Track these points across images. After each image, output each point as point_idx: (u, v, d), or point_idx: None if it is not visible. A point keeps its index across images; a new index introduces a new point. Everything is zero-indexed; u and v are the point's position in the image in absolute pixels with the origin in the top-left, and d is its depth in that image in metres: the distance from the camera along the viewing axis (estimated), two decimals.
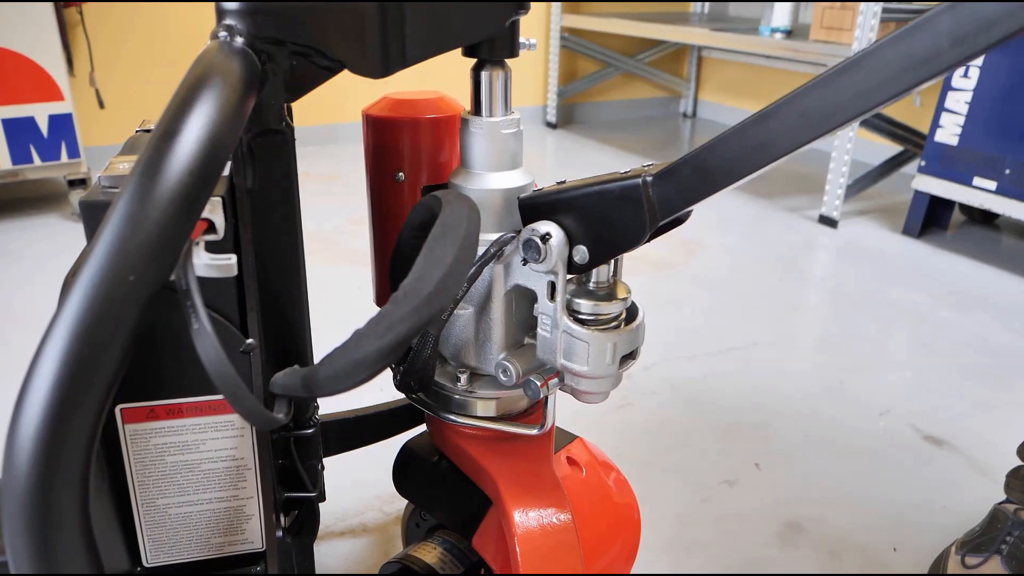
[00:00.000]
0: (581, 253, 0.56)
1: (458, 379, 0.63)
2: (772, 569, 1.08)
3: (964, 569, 1.01)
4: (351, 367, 0.42)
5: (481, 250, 0.58)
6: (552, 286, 0.57)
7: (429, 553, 0.74)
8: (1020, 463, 1.09)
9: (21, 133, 2.26)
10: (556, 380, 0.60)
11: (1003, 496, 1.10)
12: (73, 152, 2.35)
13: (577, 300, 0.58)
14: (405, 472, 0.77)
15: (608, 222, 0.54)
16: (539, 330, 0.59)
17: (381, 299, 0.70)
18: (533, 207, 0.57)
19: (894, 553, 1.11)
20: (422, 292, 0.44)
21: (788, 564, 1.09)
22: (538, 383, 0.59)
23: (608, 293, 0.59)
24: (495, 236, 0.59)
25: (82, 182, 2.41)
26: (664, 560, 1.08)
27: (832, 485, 1.25)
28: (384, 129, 0.64)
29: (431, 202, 0.55)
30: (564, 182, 0.58)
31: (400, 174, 0.64)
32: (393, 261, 0.62)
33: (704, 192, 0.53)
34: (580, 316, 0.58)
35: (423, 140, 0.62)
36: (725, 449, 1.34)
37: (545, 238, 0.55)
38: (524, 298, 0.61)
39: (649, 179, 0.53)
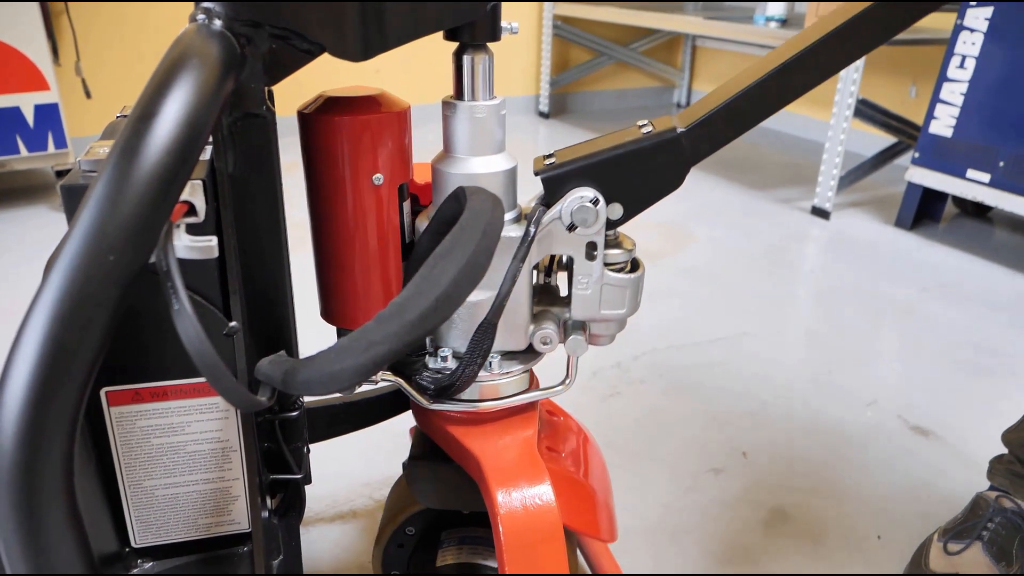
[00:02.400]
0: (616, 210, 0.61)
1: (489, 365, 0.66)
2: (756, 556, 1.09)
3: (946, 555, 1.02)
4: (327, 378, 0.43)
5: None
6: (593, 246, 0.61)
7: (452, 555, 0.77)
8: (1004, 451, 1.10)
9: (6, 123, 2.25)
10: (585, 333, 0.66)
11: (987, 485, 1.11)
12: (60, 142, 2.34)
13: (609, 252, 0.62)
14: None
15: (644, 177, 0.60)
16: (575, 291, 0.63)
17: (327, 314, 0.66)
18: (559, 177, 0.60)
19: (878, 541, 1.12)
20: (407, 316, 0.43)
21: (772, 550, 1.10)
22: (580, 338, 0.65)
23: (619, 242, 0.64)
24: None
25: (70, 172, 2.40)
26: (649, 546, 1.10)
27: (818, 474, 1.27)
28: (354, 129, 0.58)
29: (460, 196, 0.56)
30: (552, 155, 0.62)
31: (378, 176, 0.59)
32: (412, 259, 0.62)
33: (730, 137, 0.60)
34: (616, 266, 0.63)
35: (397, 137, 0.59)
36: (712, 438, 1.35)
37: (595, 202, 0.59)
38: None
39: (683, 130, 0.59)
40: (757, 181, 2.90)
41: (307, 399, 0.70)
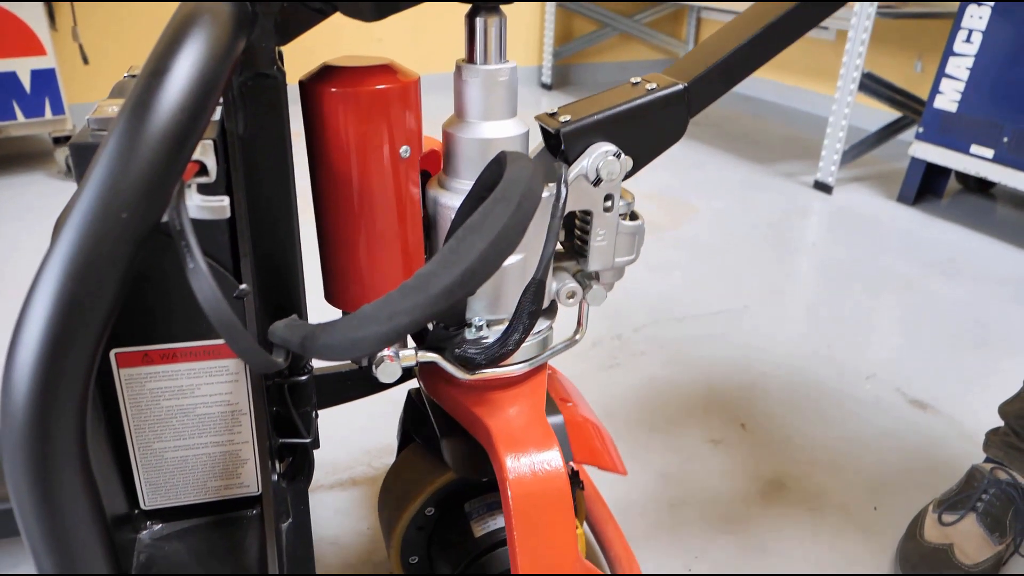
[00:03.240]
0: (628, 163, 0.63)
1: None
2: (753, 525, 1.10)
3: (940, 526, 1.03)
4: (348, 344, 0.43)
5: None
6: (610, 198, 0.63)
7: None
8: (1001, 423, 1.11)
9: (3, 88, 2.23)
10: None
11: (984, 457, 1.12)
12: (57, 108, 2.32)
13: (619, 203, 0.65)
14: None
15: (652, 129, 0.63)
16: (594, 243, 0.65)
17: (336, 298, 0.64)
18: (580, 132, 0.61)
19: (874, 512, 1.13)
20: (432, 289, 0.43)
21: (769, 520, 1.11)
22: (600, 288, 0.67)
23: (622, 194, 0.66)
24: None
25: (67, 139, 2.39)
26: (647, 514, 1.11)
27: (816, 445, 1.28)
28: (378, 101, 0.55)
29: (501, 161, 0.54)
30: (556, 112, 0.63)
31: (405, 148, 0.57)
32: (452, 227, 0.61)
33: (724, 90, 0.64)
34: (625, 216, 0.66)
35: (417, 107, 0.57)
36: (711, 409, 1.36)
37: (618, 155, 0.61)
38: None
39: (686, 85, 0.62)
40: (760, 155, 2.89)
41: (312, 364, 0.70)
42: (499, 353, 0.60)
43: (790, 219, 2.30)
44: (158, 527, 0.64)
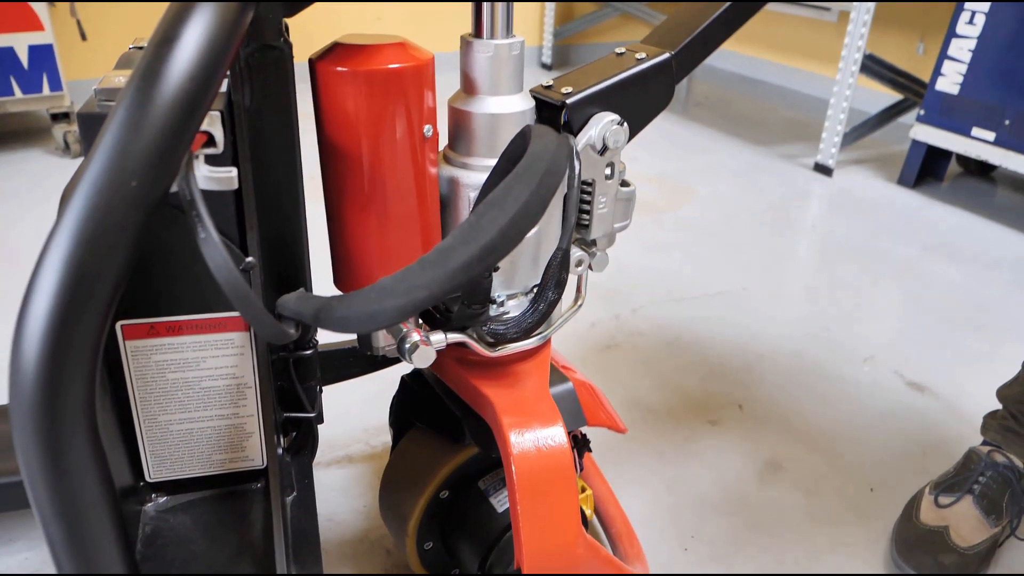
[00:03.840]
0: (627, 130, 0.65)
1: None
2: (750, 506, 1.11)
3: (936, 508, 1.04)
4: (366, 317, 0.42)
5: (474, 175, 0.59)
6: (611, 165, 0.64)
7: None
8: (999, 406, 1.12)
9: (0, 64, 2.21)
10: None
11: (981, 440, 1.13)
12: (55, 85, 2.30)
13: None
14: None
15: (645, 97, 0.66)
16: (596, 211, 0.66)
17: (343, 281, 0.63)
18: (583, 103, 0.62)
19: (871, 493, 1.14)
20: (451, 264, 0.42)
21: (766, 501, 1.12)
22: (604, 253, 0.68)
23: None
24: (493, 161, 0.59)
25: (65, 116, 2.37)
26: (644, 494, 1.12)
27: (813, 427, 1.29)
28: (400, 80, 0.53)
29: (526, 135, 0.54)
30: (551, 85, 0.64)
31: (428, 127, 0.56)
32: (477, 199, 0.60)
33: (706, 55, 0.69)
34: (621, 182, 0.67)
35: (433, 85, 0.56)
36: (709, 390, 1.37)
37: (621, 123, 0.62)
38: None
39: (673, 54, 0.66)
40: (760, 137, 2.88)
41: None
42: (529, 324, 0.61)
43: (790, 201, 2.30)
44: (163, 499, 0.65)
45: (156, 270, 0.56)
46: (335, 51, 0.53)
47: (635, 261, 1.84)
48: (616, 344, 1.50)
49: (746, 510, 1.10)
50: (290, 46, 0.52)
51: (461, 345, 0.61)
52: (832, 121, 2.45)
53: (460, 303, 0.59)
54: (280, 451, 0.64)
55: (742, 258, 1.90)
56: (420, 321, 0.63)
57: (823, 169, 2.50)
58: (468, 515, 0.79)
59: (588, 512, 0.88)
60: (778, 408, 1.33)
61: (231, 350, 0.59)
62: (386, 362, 0.90)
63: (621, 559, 0.88)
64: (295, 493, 0.67)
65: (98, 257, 0.36)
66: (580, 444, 0.85)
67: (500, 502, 0.78)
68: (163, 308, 0.57)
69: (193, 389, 0.60)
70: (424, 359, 0.58)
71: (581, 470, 0.85)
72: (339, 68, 0.51)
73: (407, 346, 0.57)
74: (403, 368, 0.84)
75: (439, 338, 0.59)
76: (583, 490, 0.88)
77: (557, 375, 0.71)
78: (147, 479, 0.64)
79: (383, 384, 0.94)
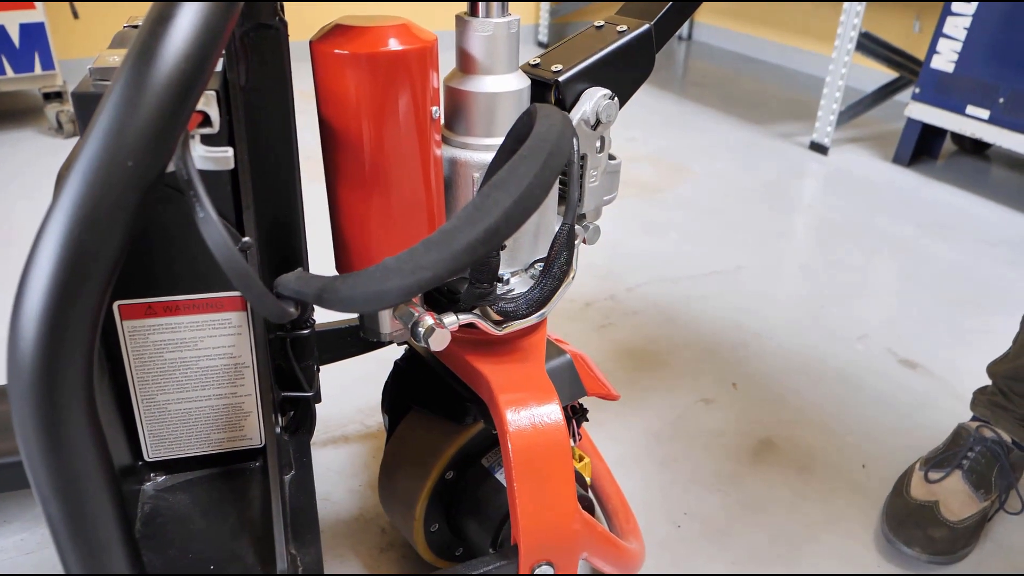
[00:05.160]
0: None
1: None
2: (743, 483, 1.12)
3: (926, 483, 1.06)
4: (371, 296, 0.42)
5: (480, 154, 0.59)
6: (603, 139, 0.65)
7: None
8: (989, 383, 1.13)
9: None
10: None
11: (970, 417, 1.14)
12: (47, 64, 2.28)
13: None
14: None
15: (631, 68, 0.67)
16: (588, 184, 0.67)
17: (340, 264, 0.62)
18: (575, 79, 0.63)
19: (863, 470, 1.16)
20: (455, 245, 0.42)
21: (759, 479, 1.13)
22: (596, 224, 0.70)
23: None
24: (493, 140, 0.59)
25: (58, 95, 2.35)
26: (638, 472, 1.13)
27: (807, 405, 1.30)
28: (405, 62, 0.52)
29: (532, 114, 0.53)
30: (538, 62, 0.65)
31: (436, 109, 0.55)
32: (484, 178, 0.60)
33: (681, 23, 0.71)
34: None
35: (437, 66, 0.55)
36: (703, 368, 1.38)
37: (612, 97, 0.63)
38: None
39: (651, 24, 0.67)
40: (756, 116, 2.87)
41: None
42: (537, 300, 0.61)
43: (786, 180, 2.30)
44: (162, 478, 0.65)
45: (153, 250, 0.56)
46: (336, 32, 0.51)
47: (631, 241, 1.84)
48: (611, 323, 1.50)
49: (740, 488, 1.11)
50: (285, 24, 0.52)
51: (469, 326, 0.61)
52: (828, 99, 2.44)
53: (468, 283, 0.60)
54: (278, 430, 0.65)
55: (738, 237, 1.91)
56: (425, 306, 0.62)
57: (819, 148, 2.50)
58: (476, 493, 0.80)
59: (588, 479, 0.89)
60: (772, 386, 1.34)
61: (229, 330, 0.59)
62: (382, 342, 0.91)
63: (617, 535, 0.89)
64: (293, 472, 0.68)
65: (95, 237, 0.36)
66: (578, 414, 0.86)
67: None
68: (160, 288, 0.57)
69: (191, 369, 0.60)
70: (440, 342, 0.57)
71: (579, 439, 0.86)
72: (340, 51, 0.50)
73: (422, 330, 0.56)
74: (397, 348, 0.85)
75: (452, 319, 0.59)
76: (581, 459, 0.89)
77: (554, 348, 0.71)
78: (146, 458, 0.64)
79: (379, 364, 0.94)
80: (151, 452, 0.64)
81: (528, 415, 0.61)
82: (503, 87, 0.59)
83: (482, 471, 0.80)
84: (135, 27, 0.56)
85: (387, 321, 0.62)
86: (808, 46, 3.57)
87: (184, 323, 0.58)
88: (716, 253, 1.81)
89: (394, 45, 0.51)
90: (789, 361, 1.41)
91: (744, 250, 1.83)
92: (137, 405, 0.61)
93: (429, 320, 0.56)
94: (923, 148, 2.42)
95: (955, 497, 1.03)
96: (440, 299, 0.62)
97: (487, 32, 0.57)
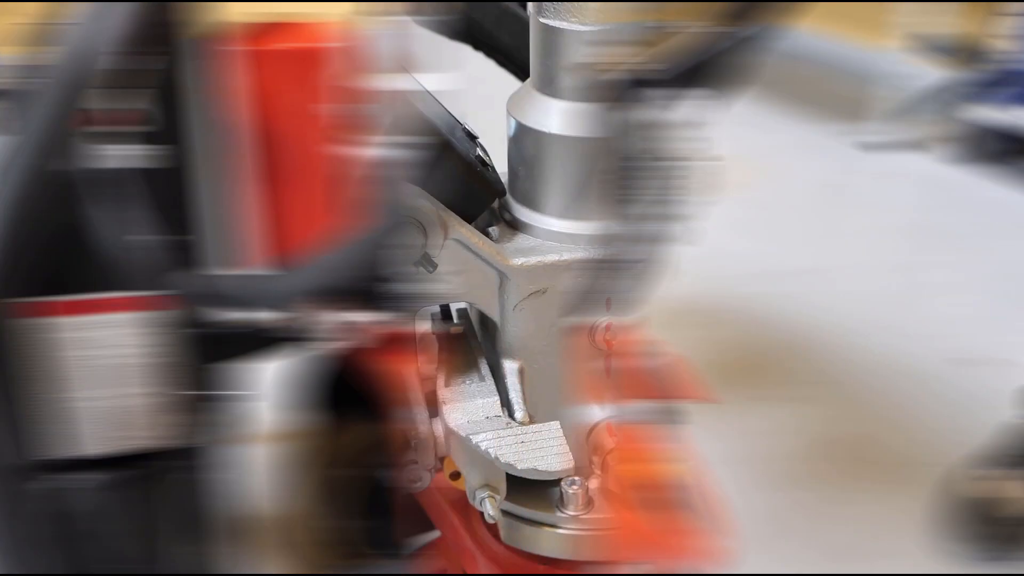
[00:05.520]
0: None
1: None
2: (801, 480, 1.13)
3: (975, 481, 1.06)
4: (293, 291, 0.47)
5: None
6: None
7: None
8: None
9: None
10: None
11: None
12: None
13: None
14: None
15: None
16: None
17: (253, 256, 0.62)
18: None
19: (923, 466, 1.15)
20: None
21: (818, 475, 1.14)
22: None
23: None
24: None
25: None
26: (730, 473, 1.11)
27: (870, 403, 1.29)
28: (286, 60, 0.53)
29: None
30: None
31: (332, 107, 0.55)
32: None
33: None
34: None
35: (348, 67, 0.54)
36: (782, 366, 1.39)
37: None
38: None
39: None
40: (816, 114, 2.78)
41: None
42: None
43: (846, 180, 2.26)
44: (66, 477, 0.61)
45: (60, 247, 0.53)
46: (241, 28, 0.52)
47: (716, 242, 1.82)
48: (701, 324, 1.49)
49: (799, 484, 1.12)
50: (220, 22, 0.49)
51: None
52: (889, 98, 2.42)
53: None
54: (190, 430, 0.62)
55: (806, 237, 1.89)
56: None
57: (880, 147, 2.43)
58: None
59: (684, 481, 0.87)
60: (837, 384, 1.33)
61: (137, 328, 0.57)
62: (303, 341, 0.87)
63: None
64: (205, 473, 0.65)
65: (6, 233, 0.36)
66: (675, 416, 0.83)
67: None
68: (66, 286, 0.55)
69: (95, 368, 0.58)
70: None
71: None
72: (234, 47, 0.51)
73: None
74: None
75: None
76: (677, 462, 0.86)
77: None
78: (47, 457, 0.61)
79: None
80: (52, 451, 0.61)
81: None
82: None
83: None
84: (35, 24, 0.54)
85: None
86: (868, 42, 3.39)
87: (89, 322, 0.56)
88: (791, 252, 1.81)
89: (274, 43, 0.51)
90: (864, 359, 1.40)
91: (808, 251, 1.82)
92: (36, 405, 0.58)
93: None
94: (986, 148, 2.31)
95: (1003, 494, 1.04)
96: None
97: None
